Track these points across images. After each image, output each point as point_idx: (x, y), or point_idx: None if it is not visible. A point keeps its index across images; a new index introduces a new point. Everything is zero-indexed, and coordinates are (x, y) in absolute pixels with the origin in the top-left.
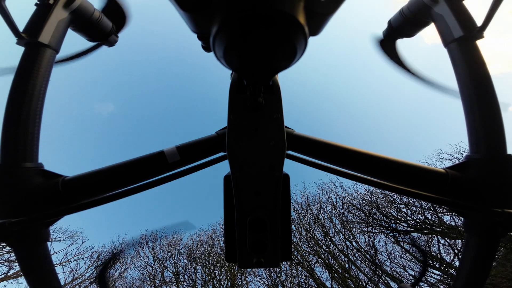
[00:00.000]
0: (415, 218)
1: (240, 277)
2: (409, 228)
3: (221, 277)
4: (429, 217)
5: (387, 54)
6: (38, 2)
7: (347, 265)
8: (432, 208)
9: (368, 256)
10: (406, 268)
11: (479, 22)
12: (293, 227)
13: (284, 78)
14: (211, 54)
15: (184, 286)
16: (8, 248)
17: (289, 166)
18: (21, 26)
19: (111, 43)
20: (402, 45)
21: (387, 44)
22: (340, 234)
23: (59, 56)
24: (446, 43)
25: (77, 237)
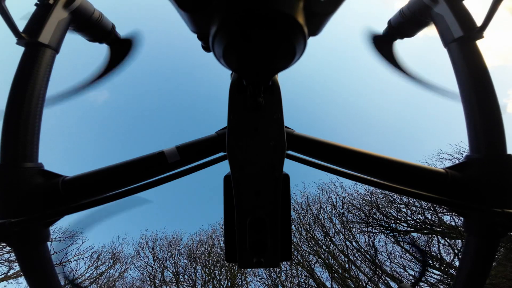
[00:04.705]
0: (415, 218)
1: (240, 277)
2: (409, 228)
3: (221, 277)
4: (429, 217)
5: (382, 54)
6: (38, 2)
7: (347, 265)
8: (432, 208)
9: (368, 256)
10: (406, 268)
11: (479, 22)
12: (293, 227)
13: (284, 77)
14: (211, 54)
15: (184, 286)
16: (8, 248)
17: (289, 166)
18: (21, 26)
19: (111, 43)
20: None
21: (384, 44)
22: (340, 234)
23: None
24: (446, 43)
25: (77, 237)
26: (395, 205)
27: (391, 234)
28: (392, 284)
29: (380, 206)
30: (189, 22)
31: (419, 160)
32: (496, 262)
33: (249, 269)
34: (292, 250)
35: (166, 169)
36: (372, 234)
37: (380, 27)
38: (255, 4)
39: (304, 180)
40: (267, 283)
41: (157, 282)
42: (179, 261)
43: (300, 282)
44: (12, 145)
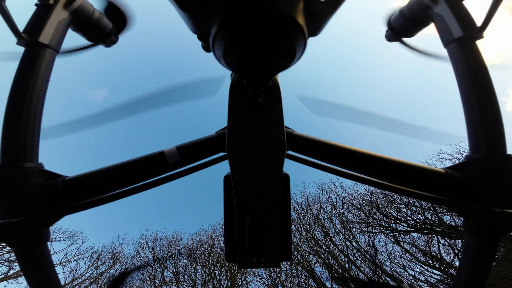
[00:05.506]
0: (415, 218)
1: (240, 277)
2: (409, 228)
3: (221, 277)
4: (429, 217)
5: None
6: (38, 2)
7: (347, 265)
8: (432, 208)
9: (368, 256)
10: (406, 268)
11: (479, 22)
12: (293, 227)
13: (284, 77)
14: (212, 54)
15: (184, 286)
16: (8, 248)
17: (289, 166)
18: (21, 26)
19: (111, 43)
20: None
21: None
22: (340, 234)
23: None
24: (446, 43)
25: (77, 237)
26: (395, 205)
27: (391, 234)
28: (392, 284)
29: (380, 206)
30: (189, 22)
31: (419, 160)
32: (496, 262)
33: (249, 269)
34: (292, 250)
35: (166, 169)
36: (372, 234)
37: (380, 27)
38: (255, 4)
39: (304, 180)
40: (267, 283)
41: (157, 282)
42: (179, 261)
43: (300, 282)
44: (12, 145)
